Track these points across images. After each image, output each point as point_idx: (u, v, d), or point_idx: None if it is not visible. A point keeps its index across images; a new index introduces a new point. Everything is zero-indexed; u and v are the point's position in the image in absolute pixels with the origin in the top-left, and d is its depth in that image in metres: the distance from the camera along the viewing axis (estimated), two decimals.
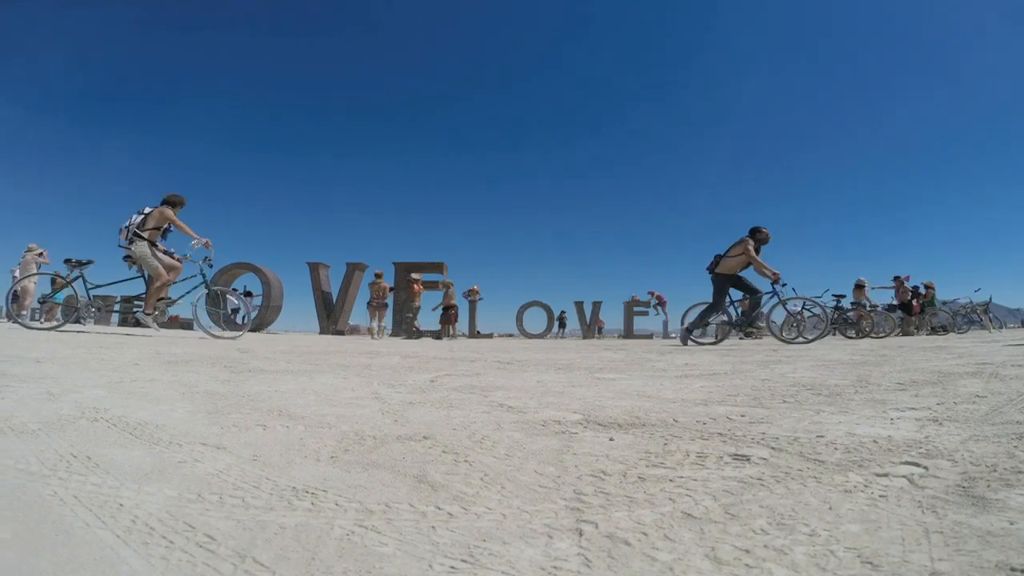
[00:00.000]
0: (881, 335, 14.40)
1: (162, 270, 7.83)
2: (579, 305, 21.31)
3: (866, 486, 1.05)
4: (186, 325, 18.30)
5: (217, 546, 0.80)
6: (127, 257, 8.09)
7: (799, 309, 11.34)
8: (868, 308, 14.78)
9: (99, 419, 1.71)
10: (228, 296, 9.81)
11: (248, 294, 17.88)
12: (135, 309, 8.36)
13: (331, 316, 19.42)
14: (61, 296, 12.19)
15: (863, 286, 16.00)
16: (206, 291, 8.69)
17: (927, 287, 18.67)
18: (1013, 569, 0.70)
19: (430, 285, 18.55)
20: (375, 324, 16.21)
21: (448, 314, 16.98)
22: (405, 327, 16.84)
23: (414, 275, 17.44)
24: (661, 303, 21.87)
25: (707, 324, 9.23)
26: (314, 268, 20.01)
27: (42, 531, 0.84)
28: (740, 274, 9.11)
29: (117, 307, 11.40)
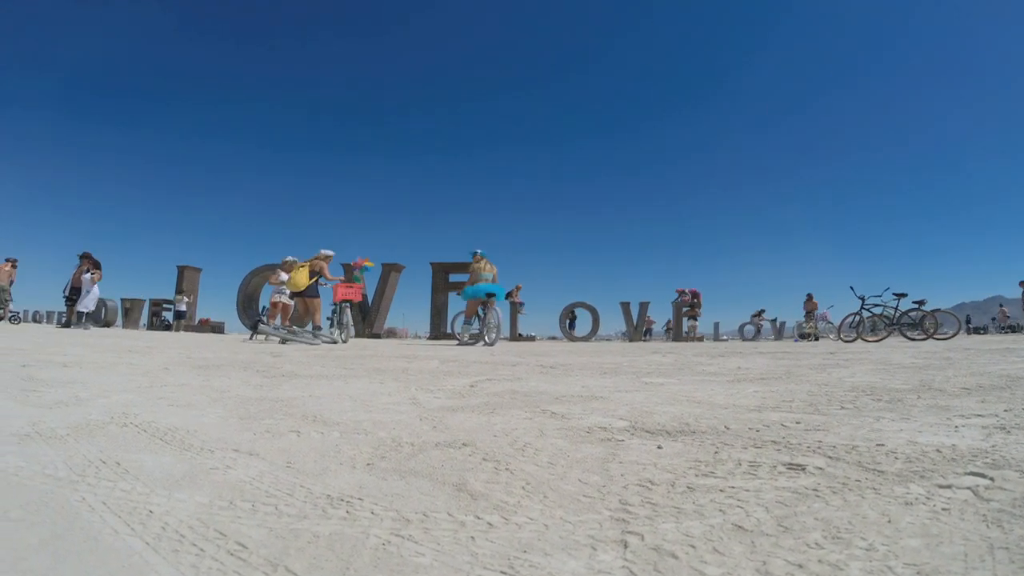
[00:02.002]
0: (945, 336, 13.95)
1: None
2: (625, 306, 21.04)
3: (928, 498, 1.02)
4: (217, 328, 18.78)
5: (249, 554, 0.82)
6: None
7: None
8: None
9: (128, 424, 1.77)
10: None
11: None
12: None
13: (367, 319, 19.64)
14: None
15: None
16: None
17: None
18: None
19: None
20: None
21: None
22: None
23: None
24: (695, 301, 20.81)
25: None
26: (348, 270, 20.27)
27: (70, 537, 0.87)
28: None
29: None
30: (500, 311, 11.76)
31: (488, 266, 11.80)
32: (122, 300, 23.60)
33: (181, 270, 22.03)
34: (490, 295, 11.24)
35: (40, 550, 0.83)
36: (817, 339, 20.19)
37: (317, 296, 11.75)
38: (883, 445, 1.43)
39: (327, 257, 11.90)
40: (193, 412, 2.02)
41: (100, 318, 22.58)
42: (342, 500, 1.07)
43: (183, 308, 21.47)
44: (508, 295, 20.53)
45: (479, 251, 11.99)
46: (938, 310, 14.28)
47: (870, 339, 14.10)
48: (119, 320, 23.26)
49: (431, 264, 19.90)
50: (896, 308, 14.30)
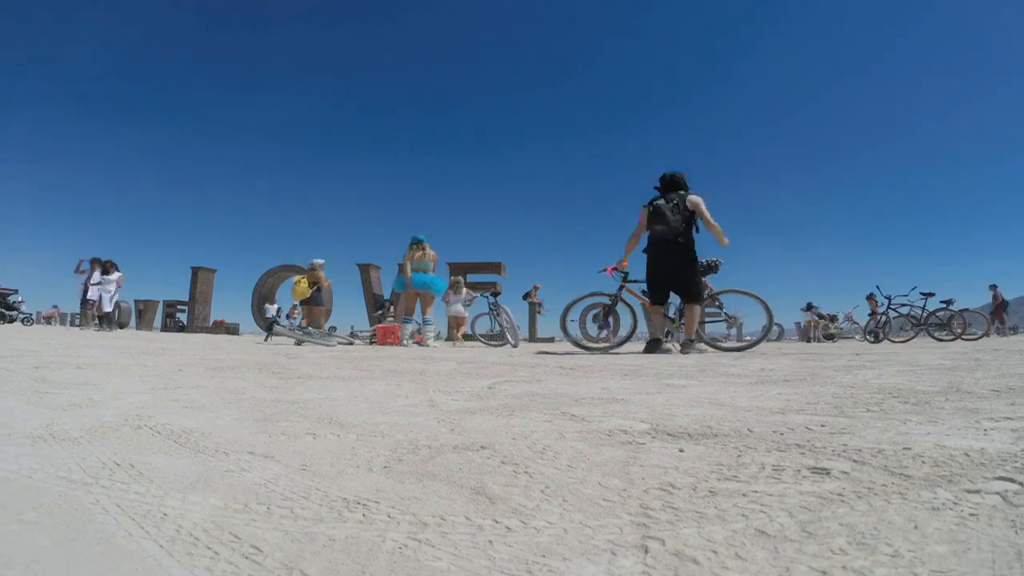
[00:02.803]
0: (974, 336, 13.79)
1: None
2: None
3: (955, 503, 1.01)
4: (232, 330, 18.98)
5: (264, 558, 0.83)
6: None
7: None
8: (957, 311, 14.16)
9: (142, 426, 1.79)
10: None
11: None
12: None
13: (383, 319, 19.73)
14: None
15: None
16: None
17: None
18: None
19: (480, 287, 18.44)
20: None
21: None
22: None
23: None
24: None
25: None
26: (365, 270, 20.38)
27: (83, 540, 0.89)
28: None
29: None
30: (509, 309, 11.69)
31: (423, 254, 11.12)
32: (136, 301, 23.92)
33: (195, 271, 22.26)
34: (424, 289, 10.97)
35: (53, 552, 0.84)
36: (834, 339, 20.08)
37: (320, 304, 12.78)
38: (910, 449, 1.42)
39: (320, 265, 12.86)
40: (208, 414, 2.04)
41: (114, 319, 22.91)
42: (358, 503, 1.07)
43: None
44: (526, 295, 20.46)
45: (419, 237, 11.24)
46: (966, 310, 14.13)
47: (897, 340, 13.99)
48: (133, 322, 23.57)
49: (448, 264, 19.87)
50: (923, 308, 14.19)
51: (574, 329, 8.41)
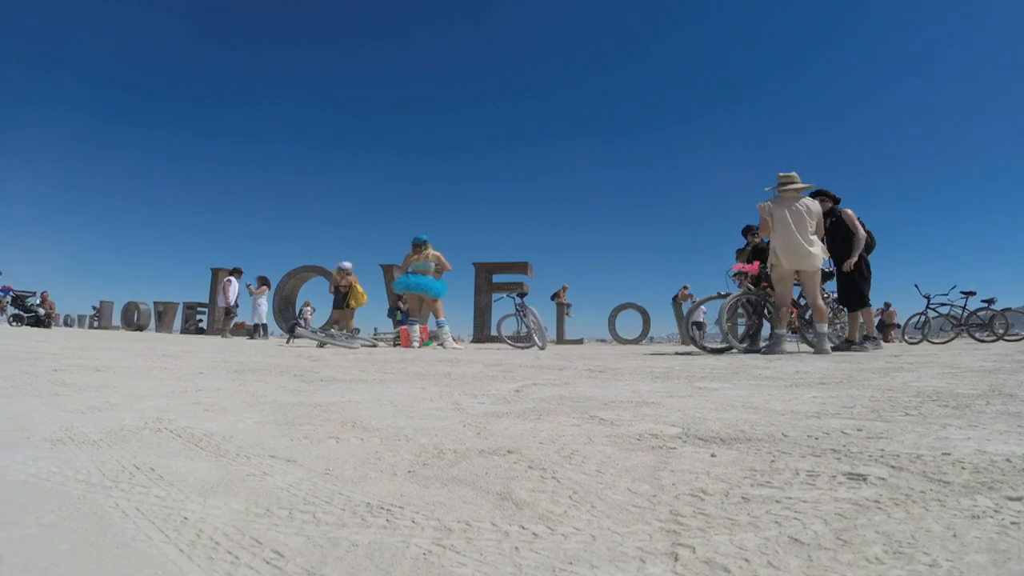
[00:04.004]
0: (1017, 337, 13.50)
1: None
2: (678, 306, 20.63)
3: (996, 511, 1.00)
4: (251, 333, 19.21)
5: (285, 563, 0.84)
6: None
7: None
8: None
9: (163, 429, 1.82)
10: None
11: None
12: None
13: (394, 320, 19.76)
14: None
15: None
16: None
17: None
18: None
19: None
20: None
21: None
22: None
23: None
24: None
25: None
26: (388, 271, 20.42)
27: (102, 544, 0.90)
28: None
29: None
30: (536, 310, 11.64)
31: (419, 256, 11.11)
32: (155, 303, 24.28)
33: (215, 273, 22.50)
34: (406, 291, 11.17)
35: (72, 556, 0.86)
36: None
37: (343, 307, 13.35)
38: (949, 454, 1.40)
39: (348, 270, 13.51)
40: (229, 417, 2.07)
41: (133, 321, 23.25)
42: (382, 508, 1.08)
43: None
44: (554, 296, 20.35)
45: (420, 237, 11.21)
46: (1009, 309, 13.83)
47: (936, 341, 13.75)
48: (152, 324, 23.93)
49: (474, 264, 19.80)
50: (964, 307, 13.92)
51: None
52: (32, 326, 16.76)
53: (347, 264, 13.47)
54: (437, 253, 11.17)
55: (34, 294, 18.08)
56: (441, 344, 10.58)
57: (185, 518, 1.02)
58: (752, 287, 7.90)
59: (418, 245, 11.17)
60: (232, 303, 18.32)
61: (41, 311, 17.91)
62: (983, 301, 13.91)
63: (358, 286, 13.50)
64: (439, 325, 10.82)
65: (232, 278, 18.38)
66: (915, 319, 14.37)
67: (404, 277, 11.08)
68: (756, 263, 7.86)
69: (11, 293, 17.54)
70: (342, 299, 13.31)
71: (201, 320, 23.37)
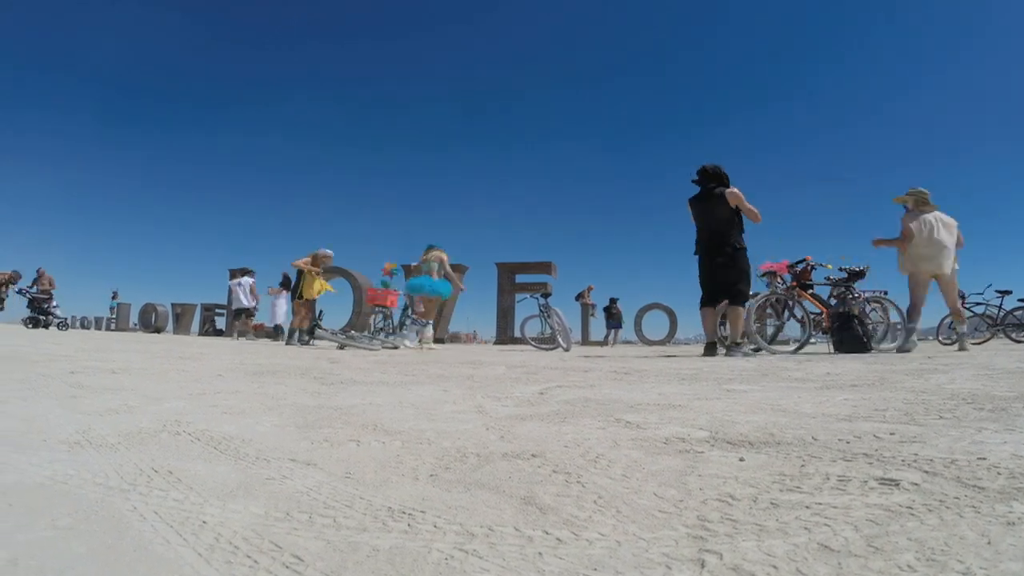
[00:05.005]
0: None
1: None
2: None
3: None
4: (272, 334, 19.36)
5: (305, 567, 0.85)
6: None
7: None
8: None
9: (181, 432, 1.85)
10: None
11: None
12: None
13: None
14: None
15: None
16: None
17: None
18: None
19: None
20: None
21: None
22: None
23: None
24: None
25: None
26: (408, 271, 20.46)
27: (120, 547, 0.91)
28: None
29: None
30: (560, 311, 11.69)
31: (426, 258, 11.43)
32: (173, 305, 24.56)
33: (232, 273, 22.69)
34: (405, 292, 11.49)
35: (88, 559, 0.87)
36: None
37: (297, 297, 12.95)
38: (984, 459, 1.38)
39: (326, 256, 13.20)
40: (248, 420, 2.09)
41: (151, 323, 23.53)
42: (403, 512, 1.09)
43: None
44: (579, 296, 20.32)
45: (430, 244, 11.71)
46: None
47: (971, 341, 13.55)
48: (170, 325, 24.21)
49: (496, 264, 19.87)
50: (999, 307, 13.66)
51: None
52: (45, 328, 16.97)
53: (327, 251, 13.14)
54: (441, 255, 11.44)
55: (50, 297, 18.29)
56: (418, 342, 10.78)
57: (204, 522, 1.03)
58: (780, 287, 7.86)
59: (426, 250, 11.54)
60: (255, 304, 18.71)
61: (59, 312, 18.12)
62: (1020, 300, 13.63)
63: (312, 276, 12.69)
64: (422, 325, 10.98)
65: (249, 278, 18.70)
66: (948, 319, 14.13)
67: (418, 279, 11.31)
68: (784, 262, 7.86)
69: (28, 294, 17.79)
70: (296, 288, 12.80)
71: (221, 315, 23.55)
